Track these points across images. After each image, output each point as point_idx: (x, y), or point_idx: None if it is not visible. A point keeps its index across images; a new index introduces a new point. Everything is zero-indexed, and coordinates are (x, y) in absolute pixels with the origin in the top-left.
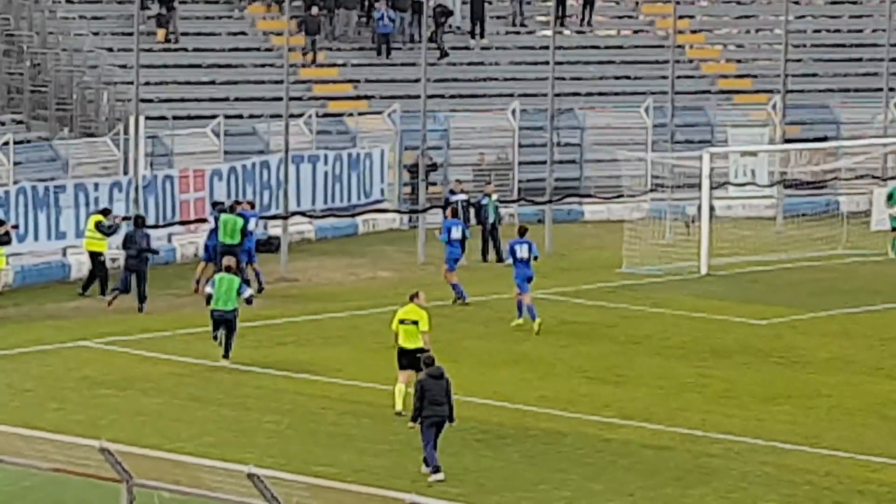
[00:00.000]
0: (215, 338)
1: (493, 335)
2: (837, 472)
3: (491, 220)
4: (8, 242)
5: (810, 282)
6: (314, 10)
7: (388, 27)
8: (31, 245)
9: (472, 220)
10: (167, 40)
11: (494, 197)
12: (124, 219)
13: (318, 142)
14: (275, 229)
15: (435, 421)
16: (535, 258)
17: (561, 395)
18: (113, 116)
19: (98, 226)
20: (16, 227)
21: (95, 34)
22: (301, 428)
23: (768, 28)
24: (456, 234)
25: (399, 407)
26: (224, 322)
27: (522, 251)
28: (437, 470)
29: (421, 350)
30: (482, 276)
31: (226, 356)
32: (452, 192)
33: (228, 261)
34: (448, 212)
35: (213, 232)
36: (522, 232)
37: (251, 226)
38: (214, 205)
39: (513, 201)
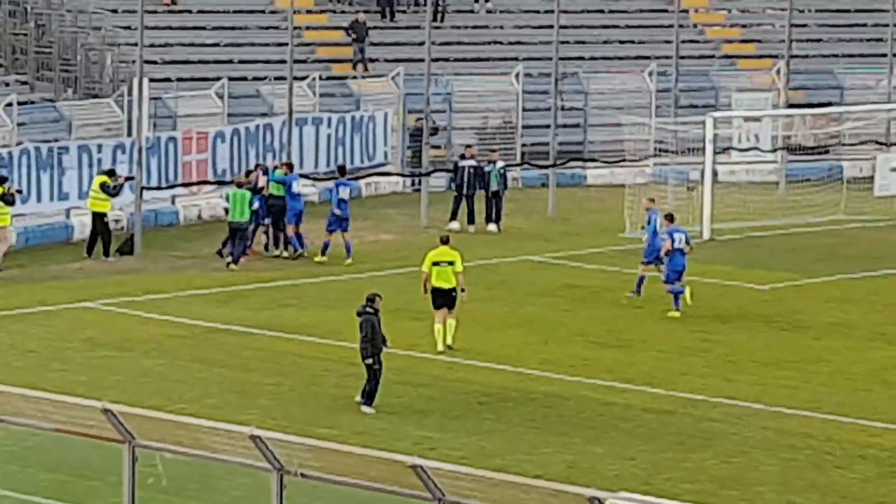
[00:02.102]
0: (220, 253)
1: (495, 299)
2: (838, 437)
3: (493, 187)
4: (12, 203)
5: (813, 247)
6: (361, 16)
7: None
8: (34, 206)
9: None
10: (173, 2)
11: (500, 164)
12: (127, 178)
13: (322, 104)
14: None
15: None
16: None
17: (563, 358)
18: (117, 78)
19: (103, 186)
20: (20, 191)
21: None
22: (303, 390)
23: None
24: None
25: (441, 346)
26: (240, 231)
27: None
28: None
29: (454, 290)
30: (484, 240)
31: (235, 262)
32: (463, 157)
33: (240, 179)
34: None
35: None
36: (672, 218)
37: (295, 188)
38: (257, 166)
39: (516, 165)
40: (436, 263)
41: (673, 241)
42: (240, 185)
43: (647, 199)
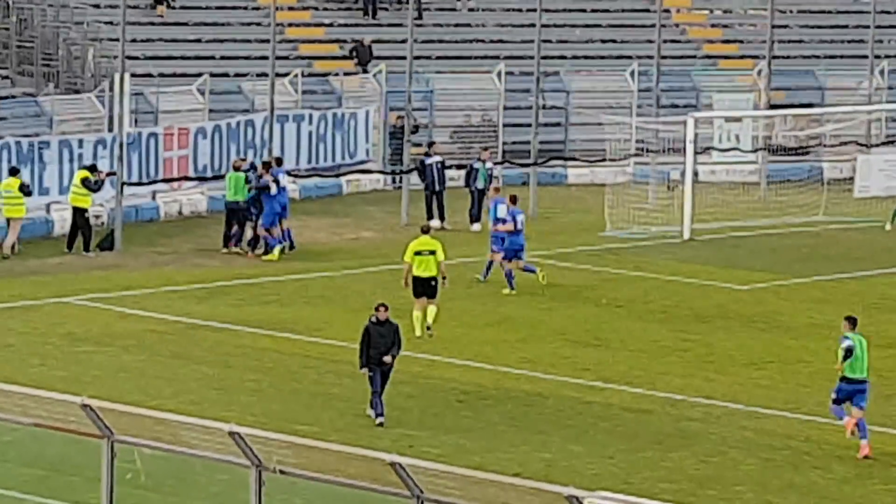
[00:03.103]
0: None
1: (474, 297)
2: (817, 438)
3: (479, 185)
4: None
5: (793, 247)
6: (366, 39)
7: None
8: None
9: (455, 184)
10: (170, 6)
11: (488, 164)
12: (109, 174)
13: (304, 101)
14: None
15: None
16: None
17: (542, 357)
18: (98, 73)
19: (84, 182)
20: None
21: None
22: (282, 387)
23: None
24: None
25: (418, 332)
26: (238, 211)
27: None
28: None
29: (434, 279)
30: (467, 238)
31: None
32: (427, 155)
33: (237, 162)
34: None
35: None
36: (515, 200)
37: (283, 181)
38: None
39: (498, 163)
40: (418, 253)
41: (515, 222)
42: (237, 169)
43: (493, 189)
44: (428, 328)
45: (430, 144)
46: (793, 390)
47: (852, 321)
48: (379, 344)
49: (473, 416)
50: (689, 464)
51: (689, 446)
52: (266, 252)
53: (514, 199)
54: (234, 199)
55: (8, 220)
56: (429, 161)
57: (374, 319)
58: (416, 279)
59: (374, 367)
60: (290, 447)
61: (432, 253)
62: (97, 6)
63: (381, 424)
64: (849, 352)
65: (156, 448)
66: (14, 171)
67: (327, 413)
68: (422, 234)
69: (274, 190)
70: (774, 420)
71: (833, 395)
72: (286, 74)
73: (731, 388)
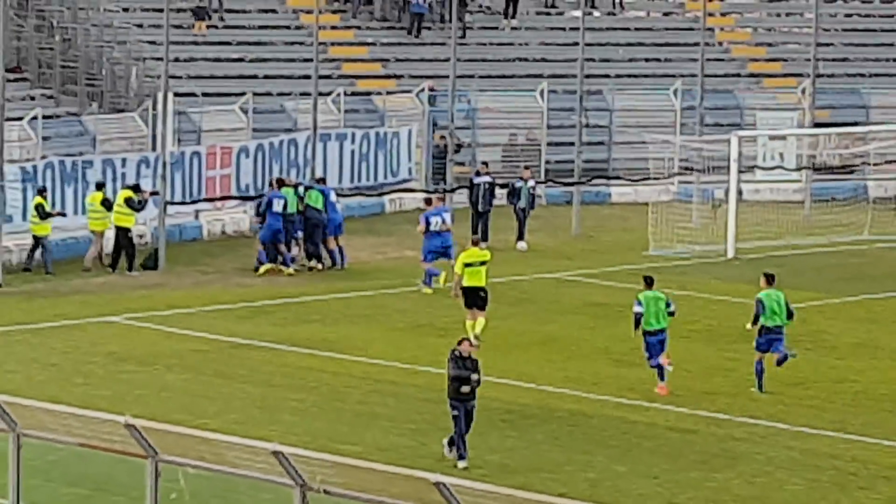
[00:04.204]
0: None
1: (518, 316)
2: (863, 458)
3: (522, 204)
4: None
5: (837, 266)
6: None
7: (423, 7)
8: (58, 220)
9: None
10: (211, 26)
11: (530, 183)
12: (152, 193)
13: (346, 120)
14: None
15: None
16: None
17: (586, 376)
18: (142, 92)
19: (128, 201)
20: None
21: (126, 10)
22: (326, 406)
23: (798, 11)
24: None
25: (471, 334)
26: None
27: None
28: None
29: (485, 289)
30: (511, 256)
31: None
32: (478, 174)
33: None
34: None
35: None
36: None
37: (332, 197)
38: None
39: (541, 182)
40: (468, 265)
41: (428, 223)
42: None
43: (437, 199)
44: (476, 338)
45: (482, 164)
46: (838, 410)
47: (769, 277)
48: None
49: (517, 436)
50: (734, 484)
51: (733, 466)
52: (257, 268)
53: (428, 202)
54: (290, 212)
55: (92, 233)
56: (477, 180)
57: (456, 354)
58: (466, 289)
59: (457, 404)
60: (334, 467)
61: (483, 264)
62: (140, 26)
63: (465, 468)
64: (760, 305)
65: (200, 467)
66: (99, 186)
67: (371, 432)
68: (472, 246)
69: (277, 207)
70: (820, 440)
71: (756, 345)
72: (329, 93)
73: (776, 407)
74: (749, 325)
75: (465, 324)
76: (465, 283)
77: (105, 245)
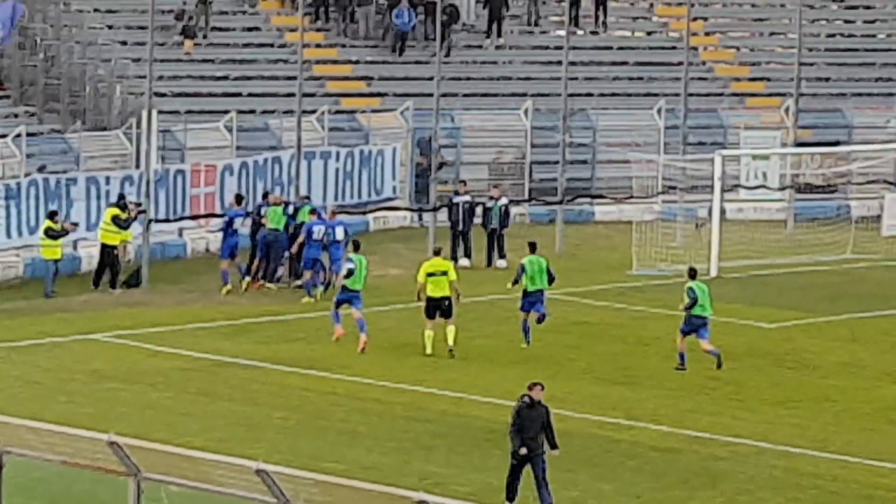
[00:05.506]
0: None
1: (501, 334)
2: (845, 477)
3: (493, 224)
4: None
5: (820, 286)
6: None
7: (408, 25)
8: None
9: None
10: (196, 44)
11: (502, 200)
12: (137, 205)
13: (331, 138)
14: None
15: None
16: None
17: (570, 395)
18: (125, 110)
19: (115, 220)
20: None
21: (109, 27)
22: (310, 424)
23: (782, 31)
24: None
25: (429, 349)
26: (276, 242)
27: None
28: None
29: (447, 299)
30: (492, 275)
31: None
32: (456, 193)
33: (276, 198)
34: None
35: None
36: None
37: (339, 235)
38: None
39: (524, 201)
40: (430, 274)
41: (310, 233)
42: (276, 204)
43: (331, 213)
44: (450, 350)
45: (461, 182)
46: (821, 429)
47: (532, 245)
48: (528, 429)
49: (501, 454)
50: (716, 503)
51: (716, 485)
52: (222, 287)
53: (315, 212)
54: (273, 227)
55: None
56: (456, 199)
57: (526, 400)
58: (429, 299)
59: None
60: (318, 485)
61: (444, 273)
62: (124, 43)
63: None
64: (521, 269)
65: (183, 485)
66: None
67: (354, 451)
68: (433, 255)
69: (236, 225)
70: (802, 459)
71: (520, 305)
72: (313, 111)
73: (759, 426)
74: (509, 285)
75: (423, 334)
76: (428, 293)
77: (91, 263)
